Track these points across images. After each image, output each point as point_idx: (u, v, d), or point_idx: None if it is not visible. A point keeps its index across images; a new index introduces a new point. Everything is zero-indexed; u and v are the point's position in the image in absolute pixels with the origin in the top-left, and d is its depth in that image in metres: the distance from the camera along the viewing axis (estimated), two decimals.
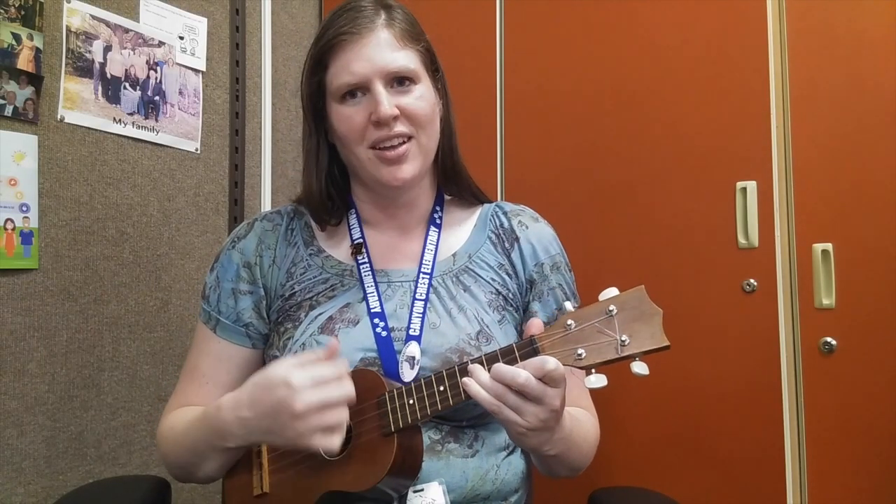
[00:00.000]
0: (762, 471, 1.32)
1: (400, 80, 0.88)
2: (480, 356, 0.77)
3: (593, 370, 0.73)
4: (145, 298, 1.45)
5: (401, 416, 0.78)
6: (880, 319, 1.25)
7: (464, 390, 0.75)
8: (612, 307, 0.72)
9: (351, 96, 0.88)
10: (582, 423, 0.91)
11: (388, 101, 0.86)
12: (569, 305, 0.76)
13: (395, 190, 0.93)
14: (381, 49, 0.86)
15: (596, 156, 1.50)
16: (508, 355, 0.75)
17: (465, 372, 0.76)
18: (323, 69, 0.89)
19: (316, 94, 0.92)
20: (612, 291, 0.73)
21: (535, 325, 0.77)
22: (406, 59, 0.88)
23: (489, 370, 0.74)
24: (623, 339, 0.71)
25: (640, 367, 0.71)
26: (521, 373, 0.71)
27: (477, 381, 0.73)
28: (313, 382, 0.75)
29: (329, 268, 0.96)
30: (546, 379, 0.72)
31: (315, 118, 0.95)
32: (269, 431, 0.78)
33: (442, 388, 0.77)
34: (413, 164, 0.90)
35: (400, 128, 0.88)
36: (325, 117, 0.93)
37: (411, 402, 0.78)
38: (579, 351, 0.73)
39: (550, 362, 0.71)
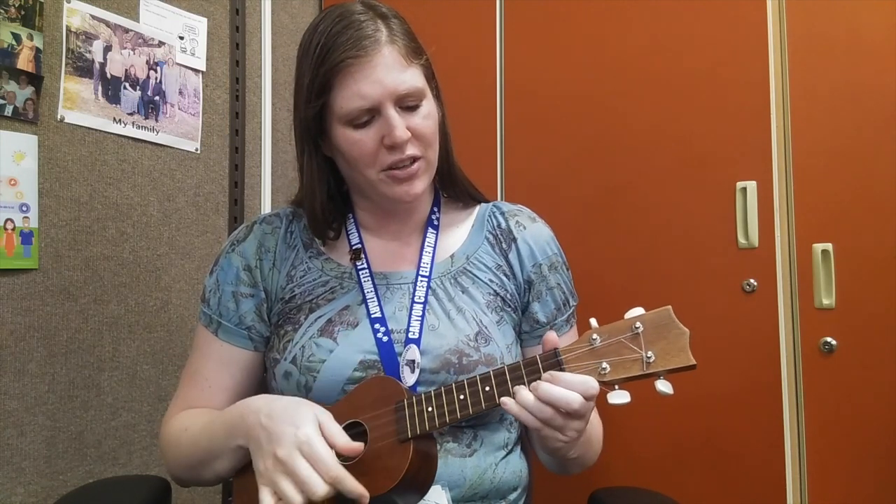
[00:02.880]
0: (762, 471, 1.32)
1: (408, 99, 0.87)
2: (503, 367, 0.77)
3: (616, 386, 0.73)
4: (145, 298, 1.45)
5: (418, 422, 0.77)
6: (880, 319, 1.25)
7: (490, 404, 0.76)
8: (638, 325, 0.72)
9: (360, 120, 0.86)
10: (594, 423, 0.92)
11: (401, 125, 0.85)
12: (594, 322, 0.76)
13: (404, 205, 0.94)
14: (389, 70, 0.84)
15: (596, 156, 1.50)
16: (531, 367, 0.75)
17: (486, 381, 0.76)
18: (327, 91, 0.87)
19: (317, 116, 0.89)
20: (637, 311, 0.74)
21: (552, 340, 0.77)
22: (413, 77, 0.87)
23: (511, 380, 0.75)
24: (648, 355, 0.71)
25: (664, 386, 0.71)
26: (574, 397, 0.72)
27: (521, 402, 0.73)
28: (309, 451, 0.72)
29: (328, 270, 0.96)
30: (587, 396, 0.73)
31: (314, 139, 0.92)
32: (257, 446, 0.78)
33: (462, 397, 0.77)
34: (423, 180, 0.90)
35: (412, 150, 0.87)
36: (325, 136, 0.92)
37: (430, 409, 0.78)
38: (604, 365, 0.73)
39: (591, 382, 0.72)
